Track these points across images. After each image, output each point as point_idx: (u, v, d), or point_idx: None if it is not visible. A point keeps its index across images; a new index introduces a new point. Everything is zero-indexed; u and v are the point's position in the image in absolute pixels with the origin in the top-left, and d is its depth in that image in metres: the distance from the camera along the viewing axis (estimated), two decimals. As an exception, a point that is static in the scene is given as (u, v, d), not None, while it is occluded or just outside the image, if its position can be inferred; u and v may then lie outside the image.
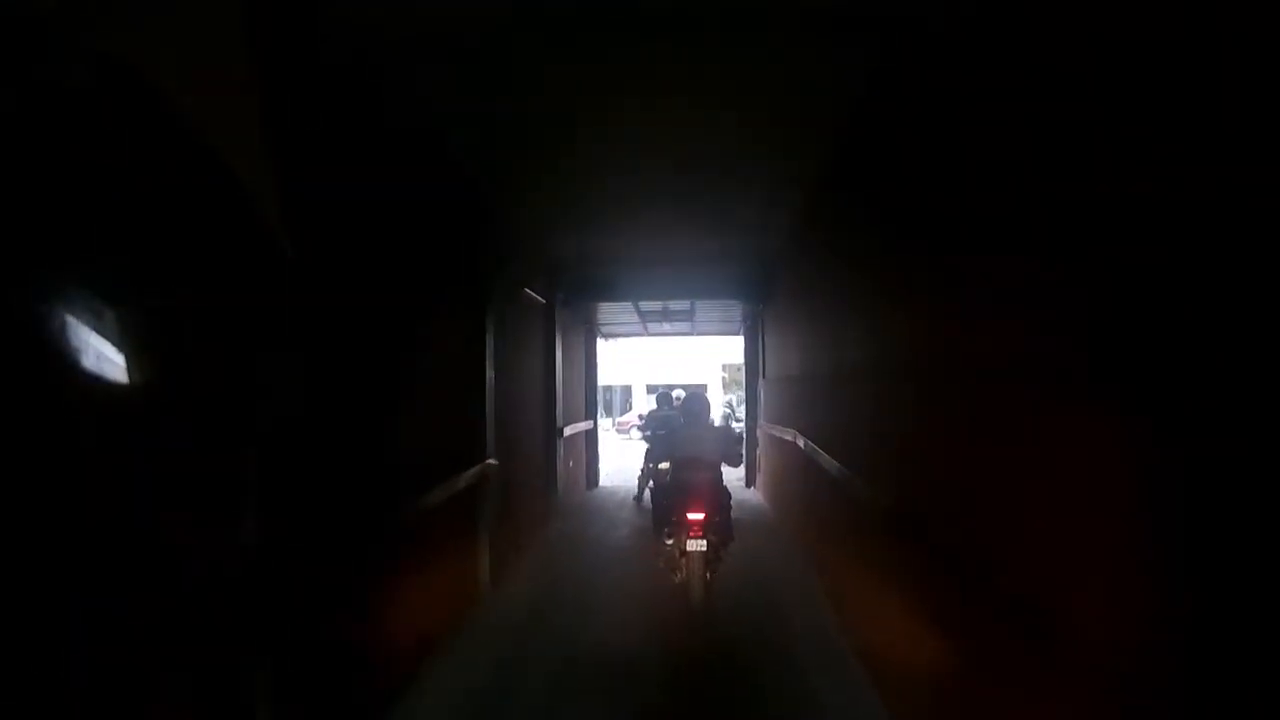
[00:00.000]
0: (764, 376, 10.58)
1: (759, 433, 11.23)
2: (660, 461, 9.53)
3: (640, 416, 11.27)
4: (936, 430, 2.79)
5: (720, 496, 5.59)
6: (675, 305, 10.73)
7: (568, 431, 9.30)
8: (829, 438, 5.16)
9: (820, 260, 5.45)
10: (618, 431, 27.28)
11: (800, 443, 6.36)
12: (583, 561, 6.76)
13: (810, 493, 6.12)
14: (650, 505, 7.25)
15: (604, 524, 8.63)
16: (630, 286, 9.35)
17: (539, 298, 8.05)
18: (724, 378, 33.22)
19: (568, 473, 9.63)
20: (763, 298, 9.26)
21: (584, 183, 5.42)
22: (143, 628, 1.55)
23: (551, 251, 8.09)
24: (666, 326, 12.18)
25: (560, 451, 8.87)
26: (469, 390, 5.34)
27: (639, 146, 4.57)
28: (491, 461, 5.57)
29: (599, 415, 12.00)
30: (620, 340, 22.96)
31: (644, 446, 10.60)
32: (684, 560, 5.28)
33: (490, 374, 5.72)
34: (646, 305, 10.77)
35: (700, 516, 5.24)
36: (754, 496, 10.72)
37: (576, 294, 9.28)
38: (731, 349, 28.14)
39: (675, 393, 10.93)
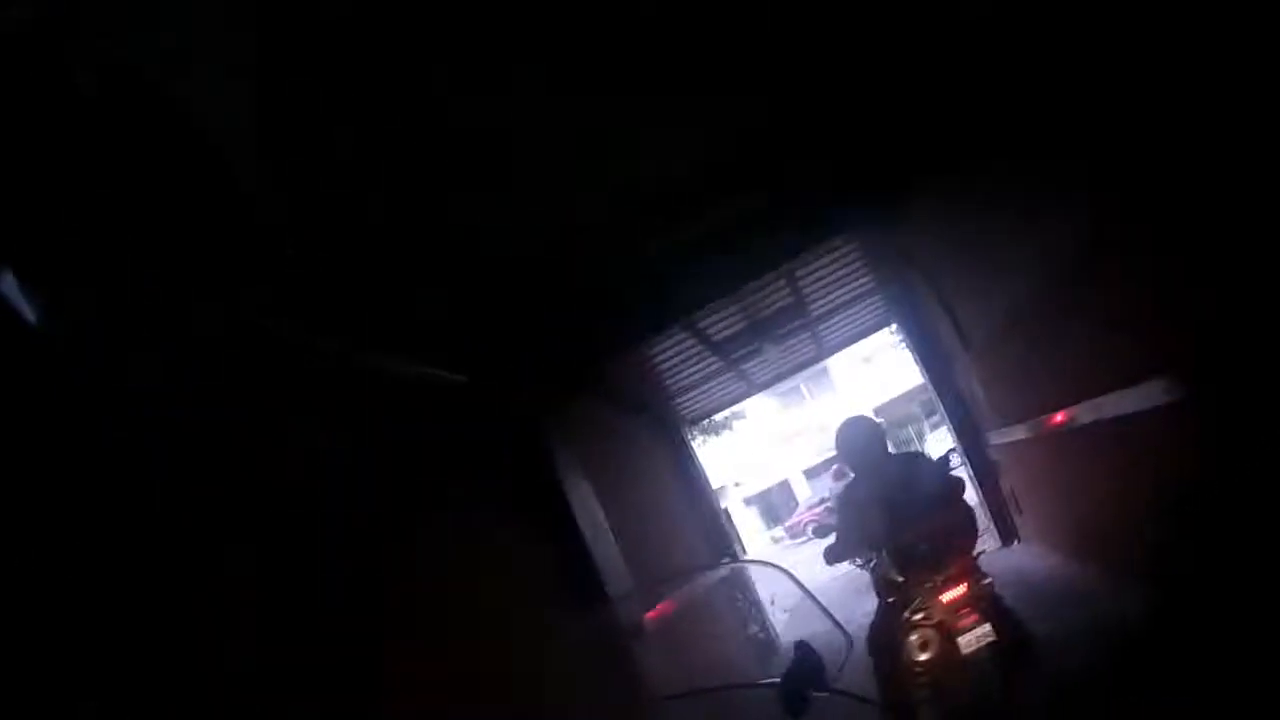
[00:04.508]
0: (965, 348, 5.86)
1: (991, 452, 6.36)
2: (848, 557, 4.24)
3: (822, 511, 6.62)
4: None
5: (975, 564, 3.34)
6: (768, 307, 6.07)
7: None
8: None
9: None
10: (790, 539, 21.55)
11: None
12: None
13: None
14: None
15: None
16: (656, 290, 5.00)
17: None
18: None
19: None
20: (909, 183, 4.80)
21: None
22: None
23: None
24: (774, 354, 7.19)
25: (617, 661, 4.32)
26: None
27: None
28: None
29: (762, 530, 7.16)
30: (725, 431, 16.47)
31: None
32: (942, 659, 3.04)
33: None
34: (715, 328, 6.18)
35: (960, 592, 3.13)
36: (1036, 561, 5.65)
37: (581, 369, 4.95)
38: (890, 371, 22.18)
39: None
